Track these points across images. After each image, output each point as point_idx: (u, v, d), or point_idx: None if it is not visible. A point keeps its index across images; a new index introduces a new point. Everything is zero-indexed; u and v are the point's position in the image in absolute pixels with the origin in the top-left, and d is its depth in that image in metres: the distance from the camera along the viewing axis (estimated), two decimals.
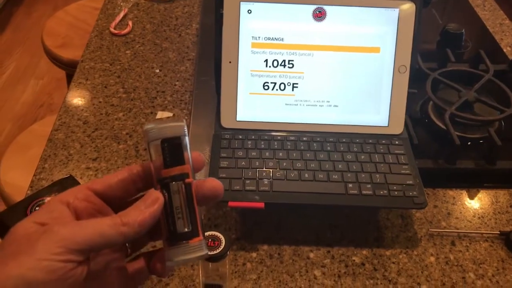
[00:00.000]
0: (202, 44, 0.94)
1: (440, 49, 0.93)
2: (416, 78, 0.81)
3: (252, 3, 0.65)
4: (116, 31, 0.98)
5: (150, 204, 0.33)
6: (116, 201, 0.36)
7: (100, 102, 0.83)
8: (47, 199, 0.63)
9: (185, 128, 0.34)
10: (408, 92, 0.76)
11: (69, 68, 1.24)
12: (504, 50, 0.97)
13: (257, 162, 0.64)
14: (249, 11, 0.65)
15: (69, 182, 0.67)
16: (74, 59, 1.20)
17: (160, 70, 0.89)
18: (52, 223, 0.32)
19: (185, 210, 0.34)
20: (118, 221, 0.32)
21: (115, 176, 0.36)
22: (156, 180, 0.34)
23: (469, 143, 0.76)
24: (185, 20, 1.03)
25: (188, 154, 0.34)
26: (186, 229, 0.34)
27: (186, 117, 0.79)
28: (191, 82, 0.87)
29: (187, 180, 0.34)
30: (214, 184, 0.36)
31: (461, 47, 0.96)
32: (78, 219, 0.34)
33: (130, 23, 1.00)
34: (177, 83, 0.87)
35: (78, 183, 0.68)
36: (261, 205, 0.59)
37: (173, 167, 0.33)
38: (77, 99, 0.83)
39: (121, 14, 1.02)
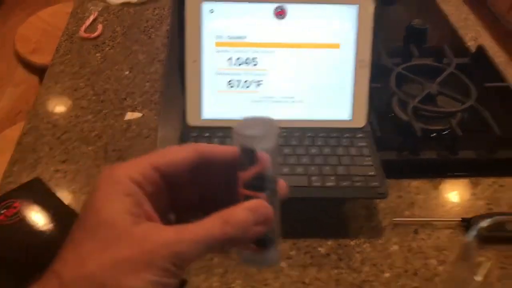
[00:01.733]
0: (172, 45, 0.95)
1: (405, 45, 0.95)
2: (382, 73, 0.83)
3: (214, 2, 0.66)
4: (86, 35, 0.98)
5: (261, 221, 0.30)
6: (172, 184, 0.32)
7: (69, 105, 0.83)
8: (17, 202, 0.64)
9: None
10: (373, 87, 0.78)
11: (42, 74, 1.24)
12: (468, 44, 1.00)
13: None
14: (211, 11, 0.67)
15: (36, 184, 0.68)
16: (46, 64, 1.19)
17: (130, 72, 0.90)
18: (146, 222, 0.28)
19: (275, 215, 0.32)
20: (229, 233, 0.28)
21: (180, 153, 0.32)
22: (249, 183, 0.31)
23: (434, 134, 0.78)
24: (155, 22, 1.03)
25: None
26: (273, 234, 0.33)
27: (155, 117, 0.80)
28: (160, 82, 0.87)
29: (277, 187, 0.32)
30: (282, 184, 0.33)
31: (426, 42, 0.98)
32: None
33: (100, 26, 1.00)
34: (146, 84, 0.87)
35: (46, 186, 0.68)
36: None
37: (273, 172, 0.32)
38: (46, 102, 0.84)
39: (91, 18, 1.02)
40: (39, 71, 1.26)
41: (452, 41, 1.01)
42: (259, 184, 0.31)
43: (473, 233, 0.60)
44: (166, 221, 0.33)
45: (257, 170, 0.31)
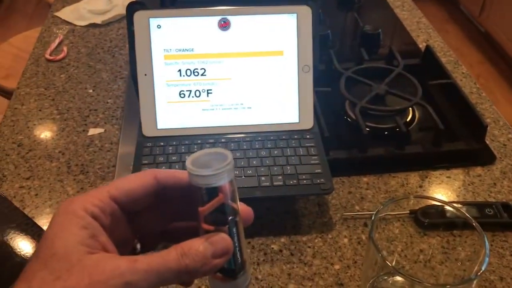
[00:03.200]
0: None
1: (358, 50, 1.00)
2: (333, 77, 0.87)
3: (160, 18, 0.70)
4: (51, 57, 1.01)
5: (221, 254, 0.31)
6: (132, 212, 0.33)
7: (34, 125, 0.86)
8: None
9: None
10: (323, 91, 0.82)
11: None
12: (420, 46, 1.04)
13: (177, 166, 0.68)
14: (159, 26, 0.70)
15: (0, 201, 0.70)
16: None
17: (93, 90, 0.93)
18: (100, 253, 0.29)
19: (238, 245, 0.33)
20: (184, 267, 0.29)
21: (137, 181, 0.32)
22: (209, 217, 0.32)
23: (383, 133, 0.81)
24: (119, 41, 1.07)
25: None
26: (237, 264, 0.33)
27: (116, 132, 0.83)
28: (123, 98, 0.91)
29: (237, 217, 0.34)
30: (247, 211, 0.35)
31: (378, 47, 1.03)
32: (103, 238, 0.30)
33: (65, 48, 1.04)
34: (109, 100, 0.91)
35: (9, 202, 0.71)
36: None
37: (232, 204, 0.33)
38: (12, 123, 0.87)
39: (57, 41, 1.06)
40: (10, 95, 1.29)
41: (404, 44, 1.05)
42: (219, 218, 0.32)
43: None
44: (130, 250, 0.35)
45: (216, 204, 0.32)
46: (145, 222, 0.35)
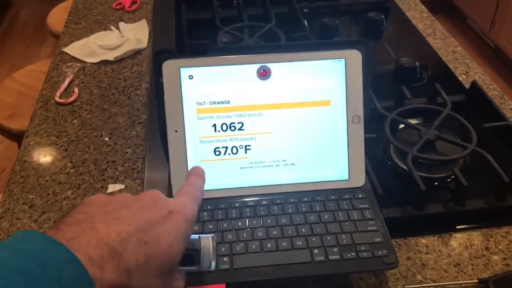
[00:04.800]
0: (153, 105, 0.91)
1: (395, 85, 0.92)
2: (374, 119, 0.79)
3: (192, 68, 0.62)
4: (61, 100, 0.93)
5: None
6: None
7: (46, 181, 0.77)
8: None
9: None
10: (367, 138, 0.74)
11: (20, 140, 1.18)
12: (460, 79, 0.96)
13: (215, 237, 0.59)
14: (191, 77, 0.62)
15: None
16: (23, 130, 1.15)
17: (109, 138, 0.85)
18: None
19: None
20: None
21: None
22: None
23: (436, 183, 0.73)
24: (134, 80, 0.99)
25: None
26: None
27: (139, 188, 0.75)
28: (142, 147, 0.82)
29: None
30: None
31: (416, 81, 0.95)
32: None
33: (76, 90, 0.96)
34: (128, 150, 0.82)
35: None
36: (221, 286, 0.54)
37: None
38: (22, 180, 0.78)
39: (66, 82, 0.98)
40: (17, 137, 1.20)
41: (443, 77, 0.98)
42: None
43: None
44: None
45: None
46: None
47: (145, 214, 0.37)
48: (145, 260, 0.34)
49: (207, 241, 0.45)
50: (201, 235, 0.45)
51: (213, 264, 0.45)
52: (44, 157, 0.82)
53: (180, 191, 0.44)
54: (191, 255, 0.44)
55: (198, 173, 0.48)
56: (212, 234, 0.46)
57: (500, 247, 0.66)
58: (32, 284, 0.28)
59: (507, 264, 0.63)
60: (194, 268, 0.44)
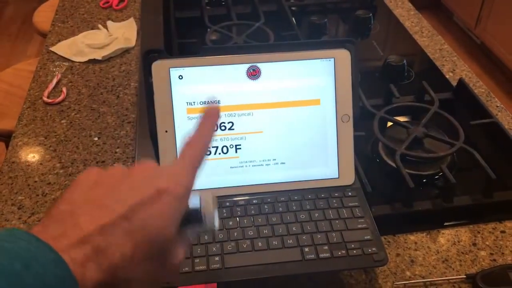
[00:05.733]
0: (142, 104, 0.90)
1: (383, 83, 0.93)
2: (363, 117, 0.79)
3: (182, 68, 0.62)
4: (49, 100, 0.92)
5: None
6: None
7: (35, 182, 0.77)
8: None
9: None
10: (356, 136, 0.75)
11: (8, 140, 1.17)
12: (447, 76, 0.97)
13: (205, 236, 0.59)
14: (180, 77, 0.62)
15: None
16: (11, 130, 1.14)
17: (98, 138, 0.84)
18: None
19: None
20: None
21: None
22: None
23: (424, 180, 0.74)
24: (122, 79, 0.99)
25: None
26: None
27: None
28: (132, 147, 0.82)
29: None
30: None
31: (404, 79, 0.96)
32: None
33: (64, 89, 0.95)
34: (117, 150, 0.82)
35: None
36: (213, 286, 0.55)
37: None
38: (10, 181, 0.77)
39: (54, 81, 0.97)
40: (5, 137, 1.19)
41: (430, 74, 0.99)
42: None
43: None
44: None
45: None
46: None
47: (131, 197, 0.34)
48: (132, 251, 0.33)
49: (208, 197, 0.40)
50: (201, 191, 0.40)
51: (216, 221, 0.40)
52: (32, 157, 0.81)
53: (182, 152, 0.39)
54: (191, 214, 0.39)
55: (212, 114, 0.42)
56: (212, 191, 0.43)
57: (487, 243, 0.67)
58: (15, 284, 0.27)
59: (494, 260, 0.64)
60: (195, 227, 0.40)
